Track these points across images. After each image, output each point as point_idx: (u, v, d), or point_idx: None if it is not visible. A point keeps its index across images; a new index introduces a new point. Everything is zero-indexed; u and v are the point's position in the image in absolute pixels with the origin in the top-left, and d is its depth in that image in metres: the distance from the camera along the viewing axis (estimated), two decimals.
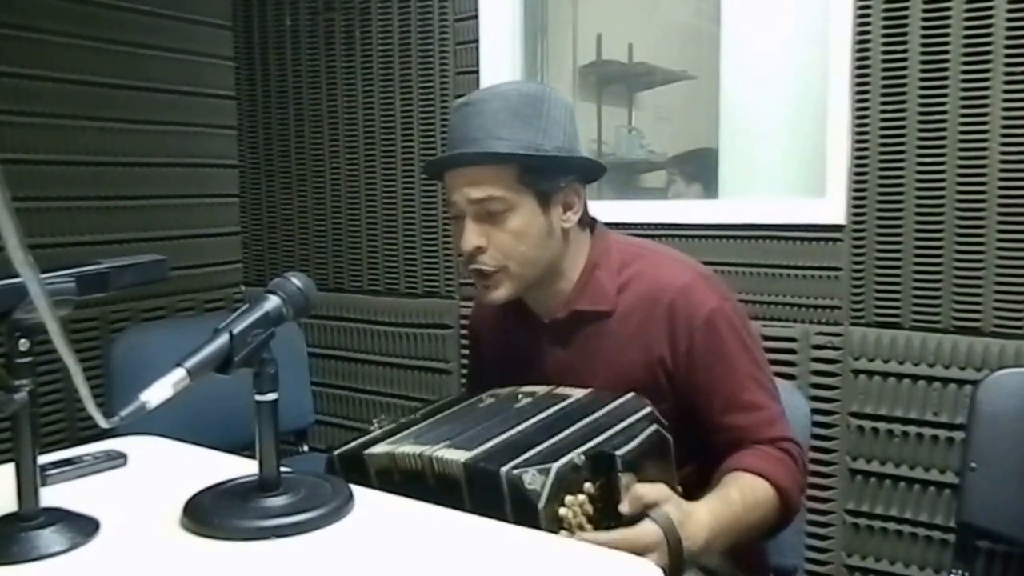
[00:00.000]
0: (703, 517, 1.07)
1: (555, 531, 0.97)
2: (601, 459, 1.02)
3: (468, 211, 1.23)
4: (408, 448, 1.10)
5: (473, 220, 1.23)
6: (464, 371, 2.20)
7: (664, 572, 0.94)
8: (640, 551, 0.98)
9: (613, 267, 1.30)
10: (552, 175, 1.24)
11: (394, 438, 1.16)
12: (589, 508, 1.00)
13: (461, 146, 1.23)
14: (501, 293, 1.26)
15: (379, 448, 1.13)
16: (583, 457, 1.00)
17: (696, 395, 1.24)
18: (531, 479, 0.96)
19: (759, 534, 1.20)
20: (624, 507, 1.02)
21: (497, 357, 1.43)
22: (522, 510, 0.96)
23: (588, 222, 1.35)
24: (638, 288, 1.28)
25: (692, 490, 1.13)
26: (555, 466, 0.97)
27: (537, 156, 1.21)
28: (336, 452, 1.19)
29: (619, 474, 1.02)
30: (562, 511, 0.98)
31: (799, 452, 1.24)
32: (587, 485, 1.00)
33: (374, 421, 1.27)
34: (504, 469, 0.97)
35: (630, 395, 1.16)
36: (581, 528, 0.99)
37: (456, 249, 1.27)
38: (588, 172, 1.31)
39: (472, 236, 1.23)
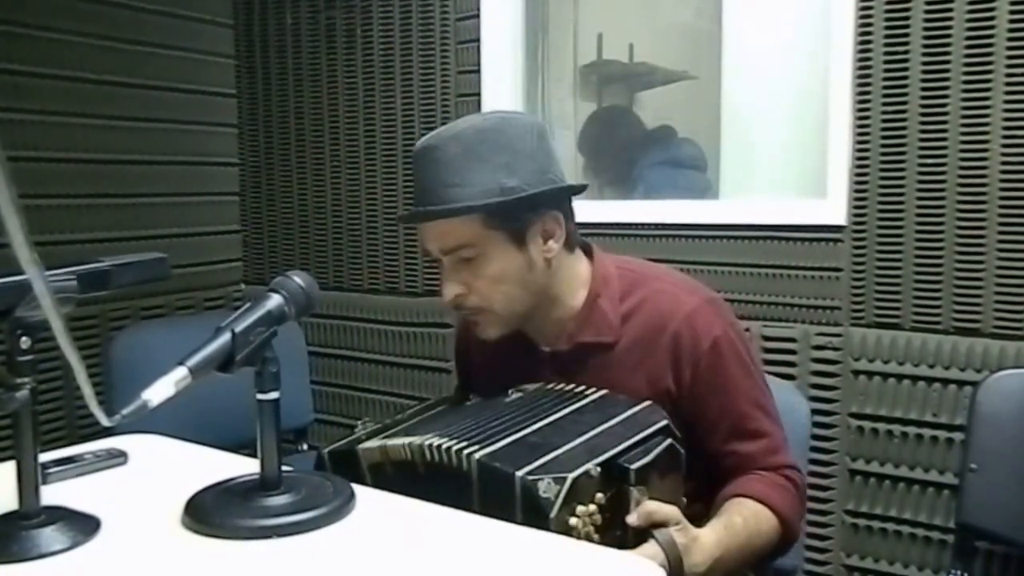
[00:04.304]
0: (707, 544, 1.07)
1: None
2: (615, 470, 1.02)
3: (443, 260, 1.21)
4: (400, 440, 1.10)
5: (450, 269, 1.21)
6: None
7: None
8: None
9: (615, 296, 1.27)
10: (521, 212, 1.19)
11: (386, 434, 1.16)
12: (598, 518, 1.00)
13: (423, 199, 1.20)
14: (493, 331, 1.25)
15: (372, 443, 1.14)
16: (598, 469, 1.00)
17: (700, 423, 1.22)
18: (545, 487, 0.95)
19: (759, 560, 1.20)
20: (632, 518, 1.02)
21: (489, 381, 1.36)
22: (532, 516, 0.96)
23: (581, 244, 1.31)
24: (642, 318, 1.25)
25: (688, 506, 1.12)
26: (570, 476, 0.97)
27: (499, 202, 1.16)
28: (327, 449, 1.19)
29: (631, 487, 1.02)
30: (572, 521, 0.97)
31: (800, 479, 1.25)
32: (598, 496, 1.00)
33: (359, 423, 1.27)
34: (519, 474, 0.97)
35: (646, 403, 1.15)
36: (588, 538, 0.99)
37: (440, 296, 1.25)
38: (564, 197, 1.25)
39: (452, 286, 1.21)
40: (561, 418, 1.12)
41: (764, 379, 1.29)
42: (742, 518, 1.15)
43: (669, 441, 1.09)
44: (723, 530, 1.12)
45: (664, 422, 1.11)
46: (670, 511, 1.04)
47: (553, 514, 0.95)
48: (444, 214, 1.18)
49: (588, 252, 1.32)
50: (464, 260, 1.20)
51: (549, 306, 1.27)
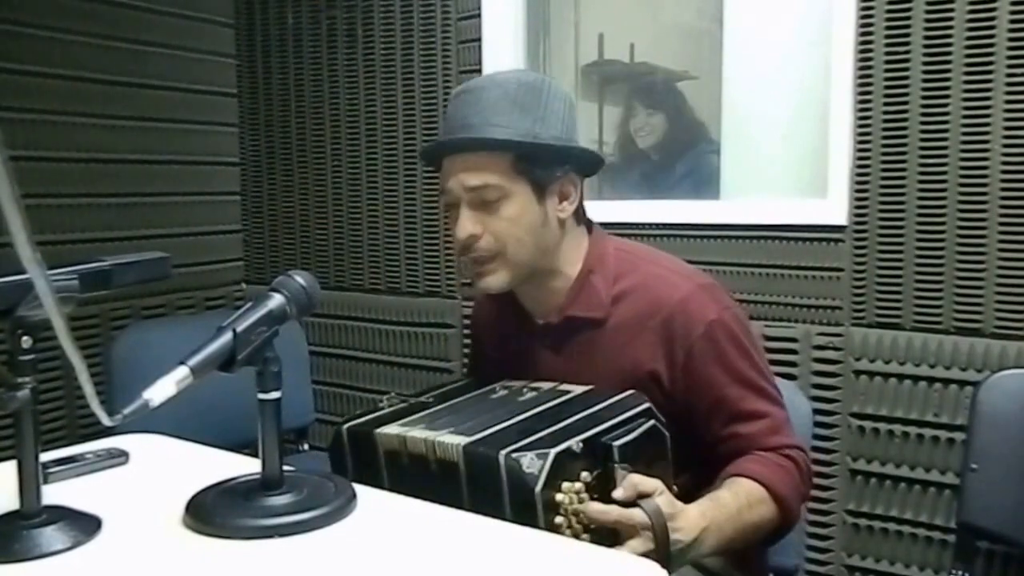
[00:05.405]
0: (692, 514, 1.08)
1: (551, 517, 0.98)
2: (599, 448, 1.03)
3: (463, 198, 1.22)
4: (418, 432, 1.11)
5: (468, 208, 1.22)
6: (465, 370, 2.20)
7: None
8: (628, 530, 1.01)
9: (609, 274, 1.29)
10: (548, 164, 1.23)
11: (405, 420, 1.16)
12: (585, 496, 1.02)
13: (458, 132, 1.23)
14: (496, 279, 1.25)
15: (391, 429, 1.14)
16: (581, 444, 1.02)
17: (698, 407, 1.23)
18: (529, 463, 0.97)
19: (755, 538, 1.19)
20: (618, 492, 1.03)
21: (496, 357, 1.42)
22: (519, 494, 0.97)
23: (586, 221, 1.33)
24: (634, 302, 1.26)
25: (687, 499, 1.12)
26: (553, 451, 0.99)
27: (533, 144, 1.21)
28: (345, 426, 1.20)
29: (615, 465, 1.03)
30: (558, 496, 0.99)
31: (803, 459, 1.24)
32: (584, 474, 1.02)
33: (383, 399, 1.28)
34: (503, 453, 0.99)
35: (629, 392, 1.17)
36: (576, 515, 1.00)
37: (453, 238, 1.26)
38: (585, 164, 1.30)
39: (468, 223, 1.22)
40: (546, 409, 1.13)
41: (764, 360, 1.29)
42: (731, 493, 1.15)
43: (652, 422, 1.11)
44: (708, 502, 1.12)
45: (646, 405, 1.13)
46: (655, 482, 1.04)
47: (539, 488, 0.96)
48: (480, 145, 1.20)
49: (590, 230, 1.34)
50: (483, 202, 1.21)
51: (546, 277, 1.29)
